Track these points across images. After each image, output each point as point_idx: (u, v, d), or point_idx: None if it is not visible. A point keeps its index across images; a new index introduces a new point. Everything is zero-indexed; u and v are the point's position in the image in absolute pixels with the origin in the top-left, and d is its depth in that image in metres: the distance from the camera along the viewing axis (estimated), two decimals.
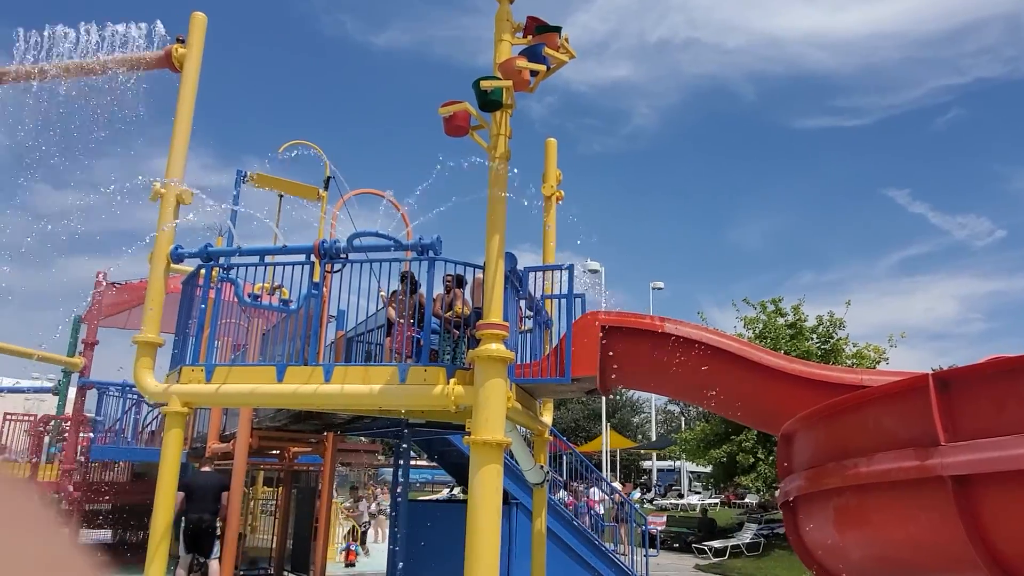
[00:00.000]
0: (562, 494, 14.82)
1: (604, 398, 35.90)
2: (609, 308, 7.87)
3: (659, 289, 41.23)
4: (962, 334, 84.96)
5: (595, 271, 31.58)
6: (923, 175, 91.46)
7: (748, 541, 19.15)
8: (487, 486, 5.77)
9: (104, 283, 14.13)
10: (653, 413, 45.57)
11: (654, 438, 41.06)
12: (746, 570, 16.74)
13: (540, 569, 8.51)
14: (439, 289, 7.49)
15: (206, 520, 9.63)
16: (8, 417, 15.10)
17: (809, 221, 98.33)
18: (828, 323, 21.14)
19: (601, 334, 7.31)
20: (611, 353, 7.32)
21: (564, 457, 13.23)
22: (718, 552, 19.17)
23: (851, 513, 4.49)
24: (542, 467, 8.53)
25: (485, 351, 5.92)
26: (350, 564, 15.51)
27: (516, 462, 9.44)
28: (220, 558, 9.60)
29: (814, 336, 21.03)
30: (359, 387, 6.27)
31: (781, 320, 21.20)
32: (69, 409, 14.98)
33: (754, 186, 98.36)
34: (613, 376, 7.53)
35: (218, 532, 9.78)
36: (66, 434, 14.25)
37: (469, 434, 5.86)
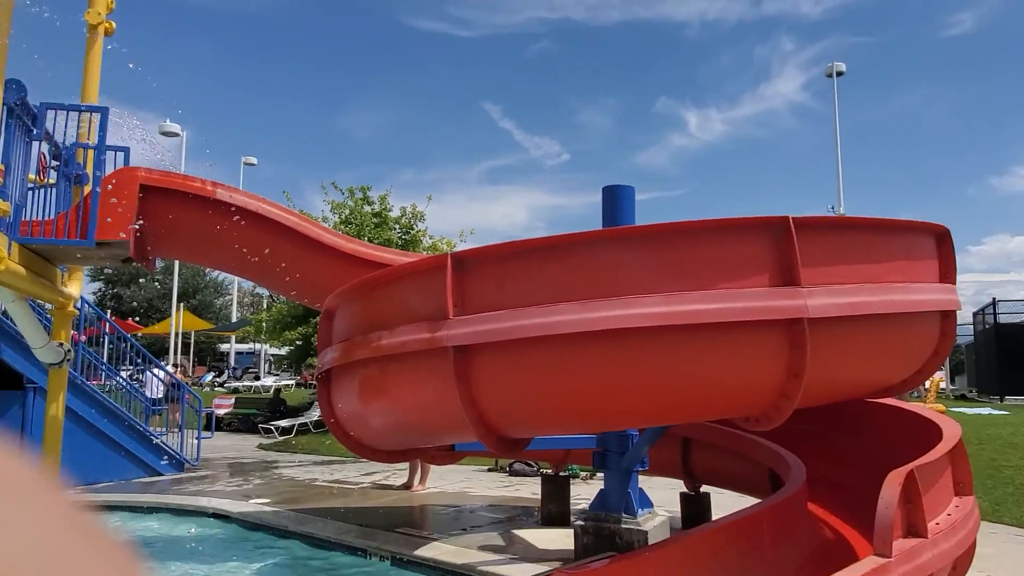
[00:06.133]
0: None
1: (177, 276, 33.11)
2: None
3: (252, 165, 38.98)
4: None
5: (173, 134, 28.11)
6: (514, 95, 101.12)
7: (316, 419, 19.75)
8: None
9: None
10: (235, 295, 43.76)
11: (234, 320, 39.58)
12: (310, 445, 17.33)
13: (55, 459, 7.38)
14: None
15: None
16: None
17: (415, 120, 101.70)
18: (411, 215, 22.36)
19: (140, 195, 6.33)
20: (152, 217, 6.41)
21: (107, 337, 11.68)
22: (285, 431, 19.46)
23: (374, 383, 4.64)
24: (61, 344, 7.27)
25: None
26: None
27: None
28: None
29: (397, 226, 22.09)
30: None
31: (368, 208, 21.73)
32: None
33: (367, 77, 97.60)
34: (153, 243, 6.64)
35: None
36: None
37: None
